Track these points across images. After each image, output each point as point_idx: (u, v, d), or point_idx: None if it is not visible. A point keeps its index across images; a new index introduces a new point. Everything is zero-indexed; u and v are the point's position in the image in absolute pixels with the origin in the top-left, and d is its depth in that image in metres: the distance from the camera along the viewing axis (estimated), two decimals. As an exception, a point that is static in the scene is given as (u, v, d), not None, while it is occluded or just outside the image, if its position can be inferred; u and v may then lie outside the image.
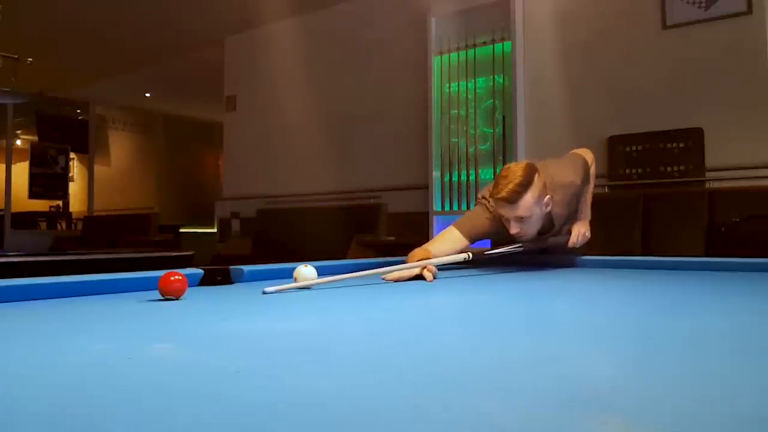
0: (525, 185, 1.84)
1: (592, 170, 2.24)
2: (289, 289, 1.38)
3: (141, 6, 5.74)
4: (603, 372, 0.63)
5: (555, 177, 2.00)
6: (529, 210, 1.86)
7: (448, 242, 1.98)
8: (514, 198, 1.83)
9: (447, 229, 2.06)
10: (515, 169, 1.89)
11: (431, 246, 1.96)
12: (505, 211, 1.88)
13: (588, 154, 2.24)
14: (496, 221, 1.98)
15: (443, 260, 1.85)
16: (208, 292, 1.37)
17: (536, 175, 1.88)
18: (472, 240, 2.01)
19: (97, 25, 6.20)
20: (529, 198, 1.84)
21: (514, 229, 1.89)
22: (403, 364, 0.66)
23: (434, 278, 1.69)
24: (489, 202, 2.01)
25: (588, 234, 2.13)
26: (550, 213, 1.98)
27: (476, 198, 2.16)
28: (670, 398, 0.50)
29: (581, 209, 2.20)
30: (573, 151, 2.28)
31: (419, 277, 1.68)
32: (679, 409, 0.47)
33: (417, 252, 1.90)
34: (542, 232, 2.03)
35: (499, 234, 2.02)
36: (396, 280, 1.65)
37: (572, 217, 2.19)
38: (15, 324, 0.97)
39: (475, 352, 0.73)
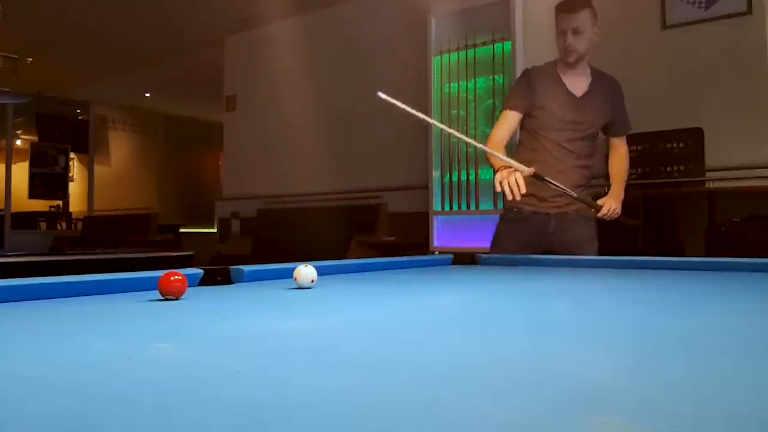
0: (588, 1, 2.25)
1: (625, 148, 2.57)
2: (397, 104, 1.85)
3: (141, 6, 5.74)
4: (603, 372, 0.63)
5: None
6: (585, 23, 2.23)
7: (506, 122, 2.32)
8: (576, 7, 2.20)
9: (502, 113, 2.38)
10: None
11: (496, 133, 2.30)
12: (565, 20, 2.24)
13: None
14: (535, 85, 2.32)
15: (516, 165, 2.08)
16: (208, 292, 1.37)
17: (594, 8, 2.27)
18: (524, 110, 2.32)
19: (97, 25, 6.20)
20: (586, 13, 2.23)
21: (569, 39, 2.24)
22: (404, 364, 0.66)
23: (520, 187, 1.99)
24: (531, 69, 2.41)
25: (618, 210, 2.30)
26: (592, 79, 2.36)
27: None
28: (670, 399, 0.50)
29: (612, 186, 2.42)
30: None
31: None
32: (678, 409, 0.47)
33: (497, 154, 2.13)
34: (580, 100, 2.32)
35: (543, 103, 2.31)
36: (510, 188, 1.97)
37: (588, 177, 2.43)
38: (15, 324, 0.97)
39: (474, 353, 0.73)
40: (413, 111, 1.92)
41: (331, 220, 5.17)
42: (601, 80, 2.39)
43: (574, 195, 2.17)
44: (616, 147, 2.53)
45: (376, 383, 0.57)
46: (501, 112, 2.39)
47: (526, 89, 2.33)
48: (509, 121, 2.32)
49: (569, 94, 2.33)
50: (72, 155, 9.30)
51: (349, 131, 5.48)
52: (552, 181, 2.14)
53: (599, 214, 2.23)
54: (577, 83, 2.35)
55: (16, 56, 5.53)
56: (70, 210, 9.38)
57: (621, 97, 2.45)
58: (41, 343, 0.78)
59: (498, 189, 2.01)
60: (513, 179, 1.99)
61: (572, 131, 2.30)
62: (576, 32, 2.23)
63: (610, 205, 2.22)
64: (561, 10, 2.26)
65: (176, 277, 1.21)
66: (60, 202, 9.31)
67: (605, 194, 3.95)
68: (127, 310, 1.11)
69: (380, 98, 1.81)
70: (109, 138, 9.72)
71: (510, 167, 2.04)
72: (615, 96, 2.42)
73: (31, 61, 5.66)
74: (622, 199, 2.34)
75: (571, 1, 2.24)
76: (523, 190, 1.98)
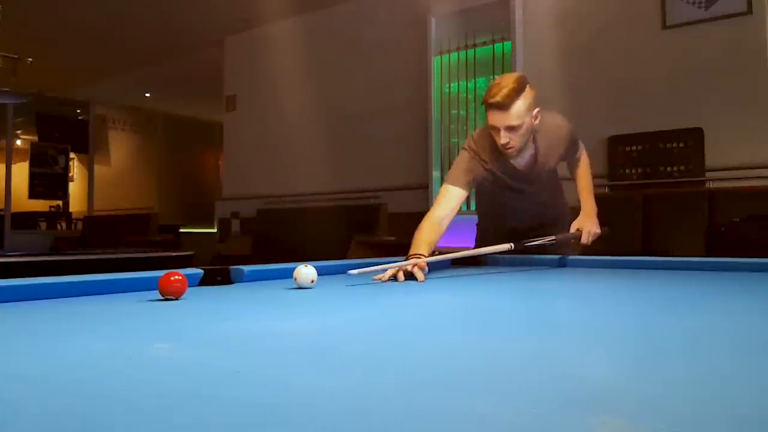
0: (518, 90, 1.85)
1: (584, 158, 2.29)
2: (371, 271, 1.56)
3: (141, 6, 5.74)
4: (603, 372, 0.63)
5: (545, 118, 2.03)
6: (520, 118, 1.87)
7: (449, 200, 2.00)
8: (507, 102, 1.84)
9: (442, 188, 2.06)
10: (508, 77, 1.91)
11: (435, 210, 1.98)
12: (497, 119, 1.88)
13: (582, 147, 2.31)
14: (482, 164, 2.02)
15: (486, 250, 1.89)
16: (208, 292, 1.37)
17: (528, 86, 1.90)
18: (468, 187, 2.04)
19: (97, 25, 6.20)
20: (520, 104, 1.85)
21: (503, 139, 1.90)
22: (403, 364, 0.66)
23: (425, 276, 1.65)
24: (473, 144, 2.06)
25: (598, 230, 2.15)
26: (534, 147, 2.01)
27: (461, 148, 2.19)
28: (670, 399, 0.50)
29: (583, 201, 2.23)
30: None
31: (412, 275, 1.64)
32: (679, 409, 0.47)
33: (422, 237, 1.89)
34: (529, 167, 2.05)
35: (489, 169, 2.04)
36: (389, 279, 1.62)
37: (560, 198, 2.25)
38: (15, 324, 0.97)
39: (474, 353, 0.73)
40: (386, 265, 1.62)
41: (331, 220, 5.17)
42: (545, 135, 2.06)
43: (553, 239, 2.03)
44: (575, 160, 2.33)
45: (376, 383, 0.57)
46: (441, 186, 2.07)
47: (472, 166, 2.04)
48: (451, 198, 1.99)
49: (515, 169, 2.07)
50: (72, 155, 9.30)
51: (349, 131, 5.48)
52: (531, 242, 1.97)
53: (582, 242, 2.12)
54: (523, 158, 2.06)
55: (16, 56, 5.52)
56: (70, 210, 9.38)
57: (567, 139, 2.14)
58: (41, 343, 0.78)
59: (389, 276, 1.64)
60: (401, 275, 1.63)
61: (527, 193, 2.12)
62: (510, 129, 1.88)
63: (589, 227, 2.13)
64: (490, 107, 1.89)
65: (176, 277, 1.21)
66: (60, 202, 9.31)
67: (605, 194, 3.94)
68: (127, 310, 1.11)
69: (352, 275, 1.51)
70: (109, 138, 9.72)
71: (415, 256, 1.76)
72: (562, 143, 2.14)
73: (31, 61, 5.65)
74: (596, 212, 2.19)
75: (499, 93, 1.85)
76: (401, 279, 1.63)
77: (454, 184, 2.02)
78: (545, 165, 2.08)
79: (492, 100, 1.86)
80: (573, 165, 2.30)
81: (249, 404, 0.49)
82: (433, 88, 4.75)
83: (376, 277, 1.62)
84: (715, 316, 1.04)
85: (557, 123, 2.10)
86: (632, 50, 3.99)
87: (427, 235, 1.90)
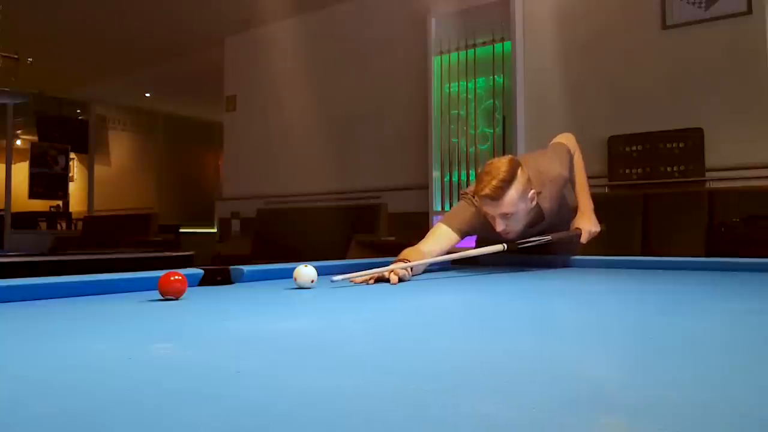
0: (508, 181, 1.81)
1: (577, 156, 2.23)
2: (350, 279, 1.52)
3: (141, 6, 5.74)
4: (603, 373, 0.63)
5: (542, 171, 1.99)
6: (514, 206, 1.84)
7: (439, 239, 1.95)
8: (498, 195, 1.80)
9: (436, 225, 2.02)
10: (498, 165, 1.85)
11: (423, 245, 1.93)
12: (490, 209, 1.85)
13: (571, 141, 2.23)
14: (481, 215, 1.96)
15: (482, 251, 1.87)
16: (208, 292, 1.37)
17: (519, 170, 1.85)
18: (462, 234, 1.98)
19: (97, 25, 6.20)
20: (513, 193, 1.81)
21: (499, 227, 1.87)
22: (404, 364, 0.66)
23: (401, 281, 1.60)
24: (473, 196, 1.99)
25: (597, 229, 2.11)
26: (538, 206, 1.96)
27: (459, 194, 2.14)
28: (671, 399, 0.50)
29: (579, 199, 2.19)
30: (555, 140, 2.26)
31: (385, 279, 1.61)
32: (680, 409, 0.47)
33: (409, 252, 1.85)
34: (532, 225, 2.00)
35: (486, 229, 1.98)
36: (362, 282, 1.58)
37: (565, 209, 2.19)
38: (15, 324, 0.97)
39: (475, 353, 0.73)
40: (373, 270, 1.58)
41: (331, 220, 5.17)
42: (546, 196, 2.00)
43: (549, 239, 1.98)
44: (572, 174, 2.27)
45: (376, 383, 0.57)
46: (437, 224, 2.01)
47: (471, 219, 1.98)
48: (442, 238, 1.94)
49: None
50: (72, 155, 9.29)
51: (349, 131, 5.48)
52: (525, 243, 1.92)
53: (581, 241, 2.09)
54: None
55: (16, 56, 5.52)
56: (70, 210, 9.37)
57: (566, 178, 2.10)
58: (42, 344, 0.79)
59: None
60: (371, 280, 1.59)
61: (509, 221, 1.97)
62: (505, 216, 1.85)
63: (589, 228, 2.09)
64: (484, 199, 1.85)
65: (176, 277, 1.21)
66: (60, 202, 9.29)
67: (605, 194, 3.93)
68: (127, 310, 1.11)
69: (335, 281, 1.48)
70: (109, 138, 9.71)
71: (403, 261, 1.73)
72: (564, 186, 2.11)
73: (31, 61, 5.65)
74: (593, 209, 2.16)
75: (488, 186, 1.81)
76: (371, 283, 1.60)
77: (449, 225, 1.96)
78: (550, 209, 2.04)
79: (482, 193, 1.82)
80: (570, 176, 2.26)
81: (249, 404, 0.49)
82: (433, 88, 4.75)
83: (351, 279, 1.57)
84: (715, 316, 1.04)
85: (554, 175, 2.02)
86: (632, 50, 3.99)
87: (412, 253, 1.84)
